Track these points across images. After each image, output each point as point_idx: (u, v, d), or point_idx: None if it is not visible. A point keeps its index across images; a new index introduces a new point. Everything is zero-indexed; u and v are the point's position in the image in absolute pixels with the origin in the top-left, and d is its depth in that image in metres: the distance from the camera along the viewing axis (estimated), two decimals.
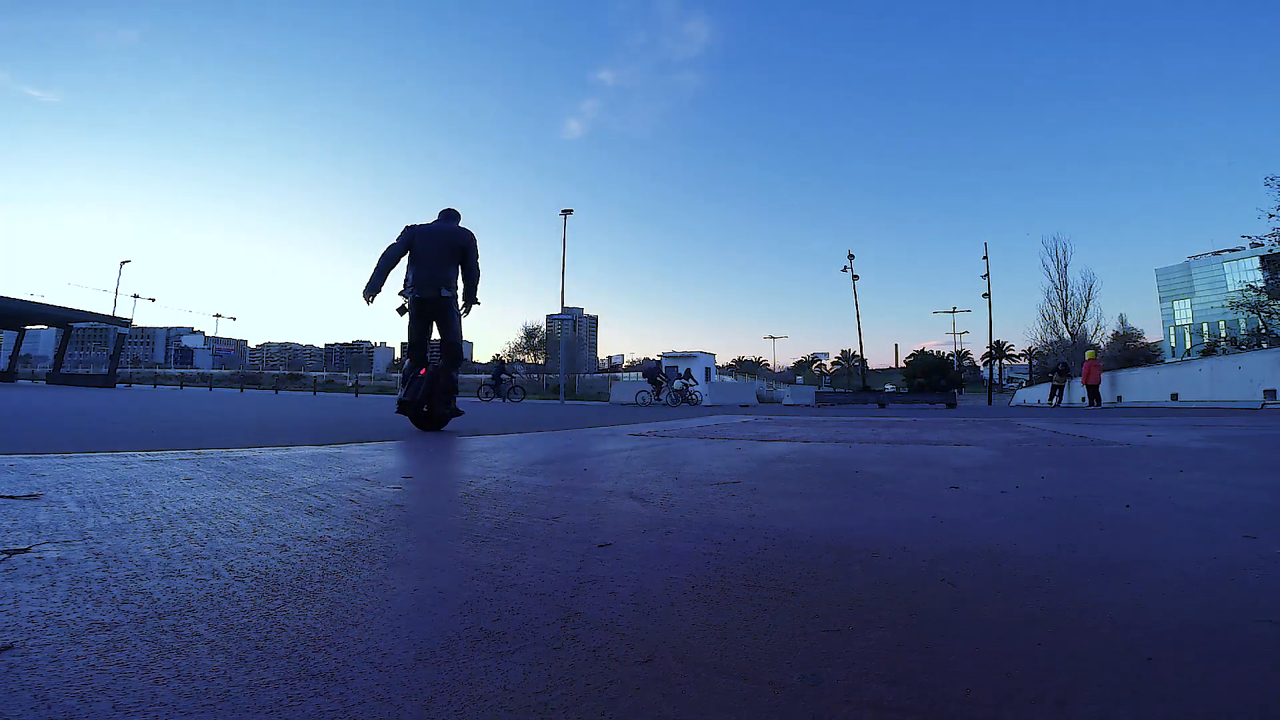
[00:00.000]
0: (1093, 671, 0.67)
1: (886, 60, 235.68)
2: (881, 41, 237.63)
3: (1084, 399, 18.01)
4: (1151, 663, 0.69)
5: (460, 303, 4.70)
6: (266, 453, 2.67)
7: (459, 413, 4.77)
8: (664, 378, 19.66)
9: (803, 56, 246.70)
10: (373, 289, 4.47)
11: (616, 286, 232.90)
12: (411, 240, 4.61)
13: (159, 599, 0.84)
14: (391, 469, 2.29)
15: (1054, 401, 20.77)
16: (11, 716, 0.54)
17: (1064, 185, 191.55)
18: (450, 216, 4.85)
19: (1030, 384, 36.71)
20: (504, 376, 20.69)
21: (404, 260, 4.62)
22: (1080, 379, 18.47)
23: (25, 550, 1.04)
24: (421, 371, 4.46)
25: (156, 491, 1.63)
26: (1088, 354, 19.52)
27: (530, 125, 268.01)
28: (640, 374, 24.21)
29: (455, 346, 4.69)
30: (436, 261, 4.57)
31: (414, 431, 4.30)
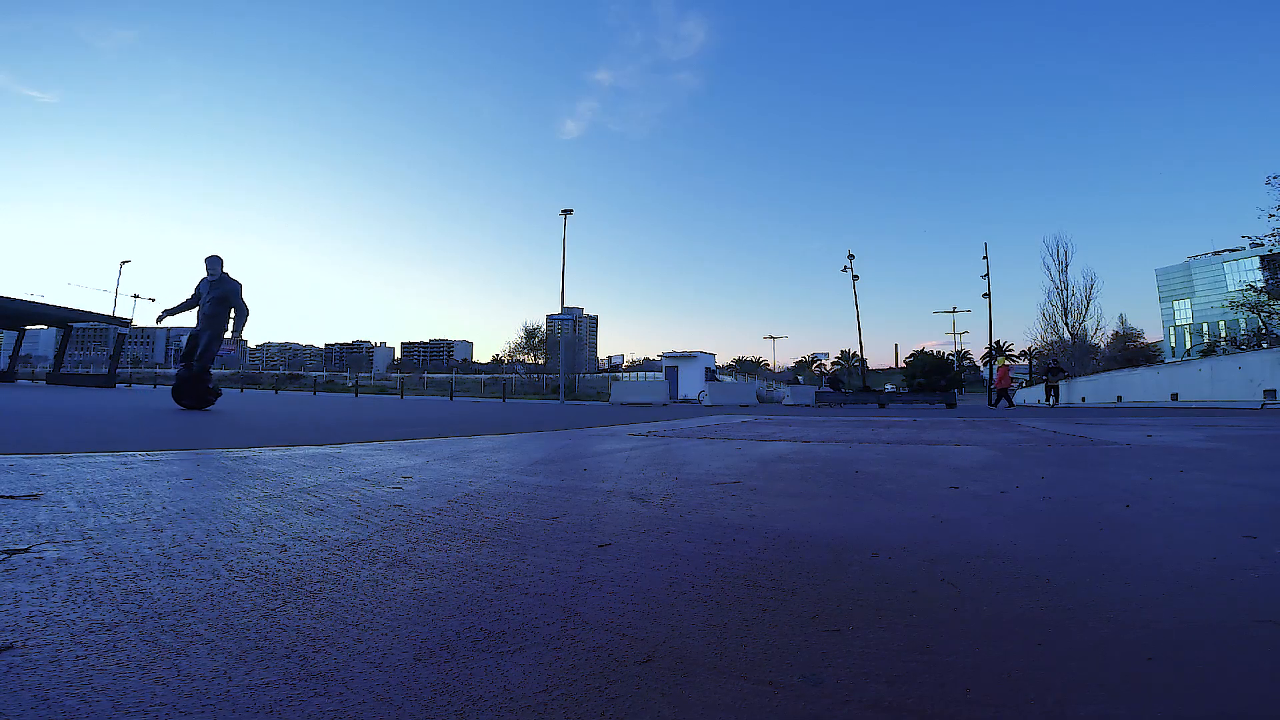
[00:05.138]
0: (1093, 671, 0.67)
1: (886, 60, 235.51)
2: (881, 41, 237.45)
3: (997, 401, 19.06)
4: (1151, 663, 0.69)
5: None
6: (266, 453, 2.67)
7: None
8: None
9: (801, 56, 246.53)
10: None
11: (616, 286, 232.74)
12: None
13: (159, 599, 0.84)
14: (391, 469, 2.29)
15: (1050, 401, 20.89)
16: (11, 716, 0.54)
17: (1064, 185, 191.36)
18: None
19: (1030, 384, 36.74)
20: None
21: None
22: (1002, 381, 19.73)
23: (25, 550, 1.04)
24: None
25: (156, 491, 1.63)
26: (1000, 360, 20.77)
27: (528, 125, 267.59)
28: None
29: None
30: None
31: (414, 433, 4.35)
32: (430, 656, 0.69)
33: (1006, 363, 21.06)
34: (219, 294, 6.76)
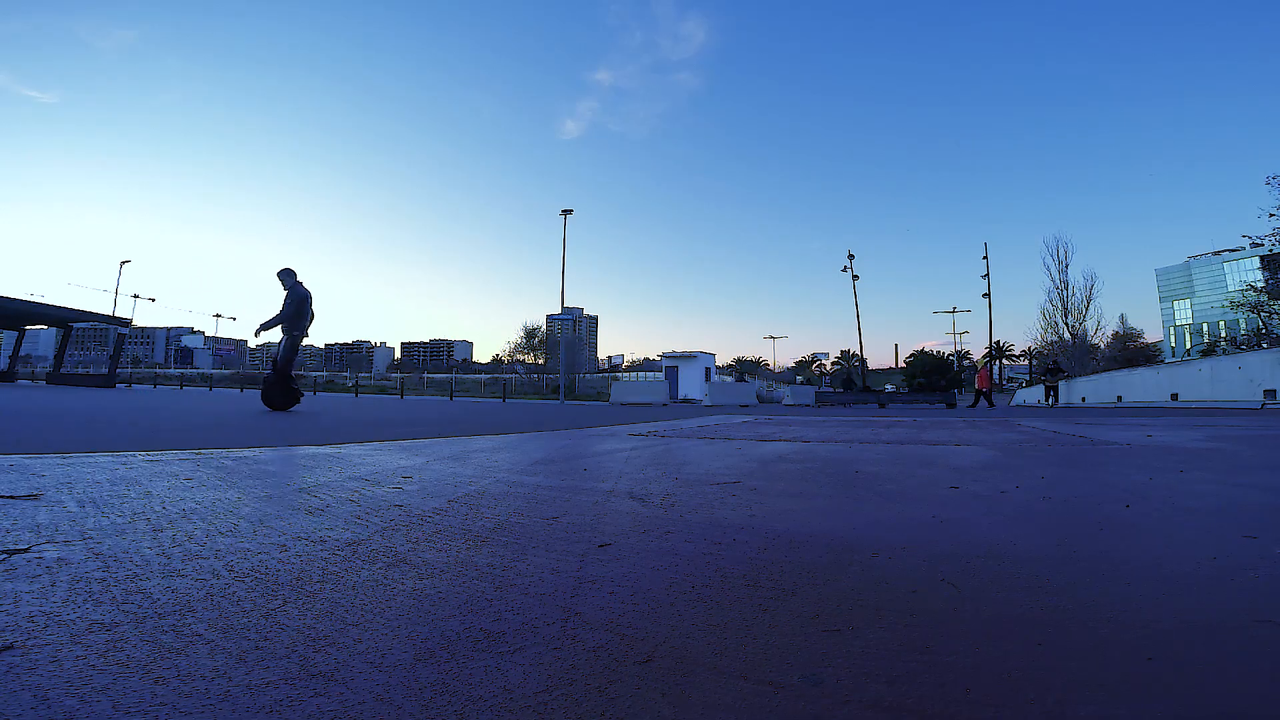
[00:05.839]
0: (1093, 671, 0.67)
1: (886, 60, 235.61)
2: (881, 41, 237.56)
3: (991, 402, 19.43)
4: (1151, 663, 0.69)
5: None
6: (267, 453, 2.67)
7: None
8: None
9: (801, 56, 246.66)
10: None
11: (616, 286, 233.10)
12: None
13: (159, 599, 0.84)
14: (391, 469, 2.29)
15: (1050, 401, 20.92)
16: (11, 716, 0.54)
17: (1064, 185, 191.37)
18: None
19: (1030, 384, 36.76)
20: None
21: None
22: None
23: (25, 550, 1.04)
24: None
25: (156, 491, 1.63)
26: (979, 361, 21.29)
27: (528, 125, 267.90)
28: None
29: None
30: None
31: (414, 433, 4.35)
32: (430, 656, 0.69)
33: (985, 364, 21.67)
34: (290, 298, 7.61)
